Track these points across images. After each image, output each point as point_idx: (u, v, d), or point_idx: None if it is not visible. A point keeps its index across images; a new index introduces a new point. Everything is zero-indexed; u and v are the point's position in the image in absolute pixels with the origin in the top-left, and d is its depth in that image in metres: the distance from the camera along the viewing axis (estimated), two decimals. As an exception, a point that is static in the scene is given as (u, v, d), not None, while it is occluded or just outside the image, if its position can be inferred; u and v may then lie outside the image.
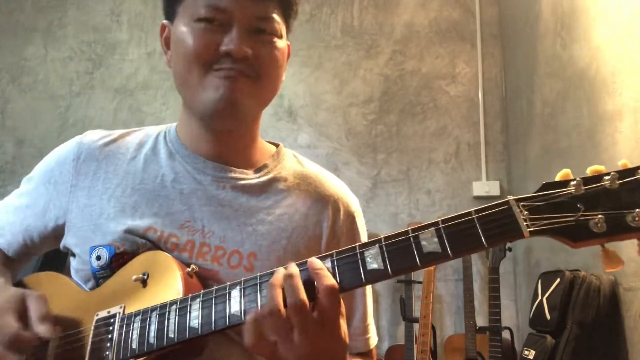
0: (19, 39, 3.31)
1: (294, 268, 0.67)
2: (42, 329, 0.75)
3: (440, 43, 3.12)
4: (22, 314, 0.78)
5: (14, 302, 0.78)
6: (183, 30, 0.84)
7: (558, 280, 1.89)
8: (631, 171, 0.59)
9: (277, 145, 0.98)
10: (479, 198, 2.94)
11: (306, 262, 0.68)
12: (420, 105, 3.07)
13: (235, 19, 0.81)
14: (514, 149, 2.91)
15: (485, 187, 2.95)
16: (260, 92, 0.85)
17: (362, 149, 3.06)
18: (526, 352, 1.91)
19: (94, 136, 0.94)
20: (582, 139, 1.98)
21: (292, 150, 1.00)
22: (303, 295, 0.64)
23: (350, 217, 0.93)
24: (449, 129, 3.04)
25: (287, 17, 0.89)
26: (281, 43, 0.87)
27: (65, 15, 3.33)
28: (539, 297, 1.97)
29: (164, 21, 0.91)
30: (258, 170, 0.92)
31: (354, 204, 0.96)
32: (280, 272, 0.67)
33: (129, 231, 0.83)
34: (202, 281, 0.81)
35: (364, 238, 0.94)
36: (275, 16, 0.85)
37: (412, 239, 0.64)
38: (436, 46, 3.12)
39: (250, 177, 0.90)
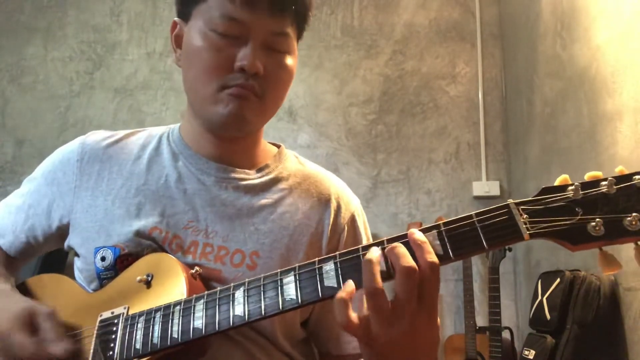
0: (19, 39, 3.31)
1: (393, 242, 0.63)
2: (61, 348, 0.73)
3: (440, 43, 3.12)
4: (33, 331, 0.76)
5: (22, 319, 0.76)
6: (197, 37, 0.83)
7: (558, 280, 1.89)
8: (628, 177, 0.60)
9: (278, 147, 1.00)
10: (479, 198, 2.95)
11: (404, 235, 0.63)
12: (420, 105, 3.08)
13: (251, 34, 0.81)
14: (514, 149, 2.91)
15: (485, 187, 2.95)
16: (265, 111, 0.87)
17: (362, 149, 3.06)
18: (526, 352, 1.92)
19: (97, 137, 0.95)
20: (582, 139, 1.98)
21: (292, 151, 1.01)
22: (412, 260, 0.60)
23: (351, 215, 0.94)
24: (449, 129, 3.04)
25: (301, 31, 0.90)
26: (292, 61, 0.87)
27: (65, 15, 3.33)
28: (539, 297, 1.97)
29: (176, 18, 0.90)
30: (260, 170, 0.93)
31: (354, 202, 0.97)
32: (375, 248, 0.63)
33: (134, 232, 0.84)
34: (205, 281, 0.81)
35: (366, 236, 0.95)
36: (290, 31, 0.85)
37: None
38: (436, 46, 3.12)
39: (252, 177, 0.91)
